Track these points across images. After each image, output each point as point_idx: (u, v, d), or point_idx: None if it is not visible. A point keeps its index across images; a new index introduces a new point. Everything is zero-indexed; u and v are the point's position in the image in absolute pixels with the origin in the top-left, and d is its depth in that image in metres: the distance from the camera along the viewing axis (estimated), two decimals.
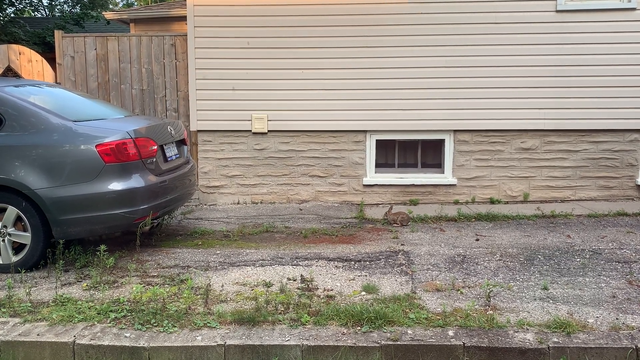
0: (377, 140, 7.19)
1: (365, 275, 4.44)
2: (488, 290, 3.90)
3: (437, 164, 7.29)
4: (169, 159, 5.32)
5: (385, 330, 3.45)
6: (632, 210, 6.42)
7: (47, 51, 12.67)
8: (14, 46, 8.09)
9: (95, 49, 7.50)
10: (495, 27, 6.85)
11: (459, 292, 4.07)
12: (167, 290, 4.13)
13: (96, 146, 4.60)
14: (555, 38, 6.83)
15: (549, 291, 4.06)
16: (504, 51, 6.86)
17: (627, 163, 7.03)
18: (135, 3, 25.92)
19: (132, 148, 4.71)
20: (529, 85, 6.90)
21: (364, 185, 7.19)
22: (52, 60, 7.90)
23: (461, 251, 5.05)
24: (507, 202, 7.05)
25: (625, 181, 7.07)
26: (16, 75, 7.81)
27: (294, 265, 4.72)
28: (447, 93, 6.95)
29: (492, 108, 6.97)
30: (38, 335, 3.50)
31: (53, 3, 21.84)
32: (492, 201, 7.08)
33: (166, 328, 3.54)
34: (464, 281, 4.29)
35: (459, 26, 6.86)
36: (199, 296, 4.01)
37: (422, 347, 3.31)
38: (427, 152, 7.35)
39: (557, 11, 6.79)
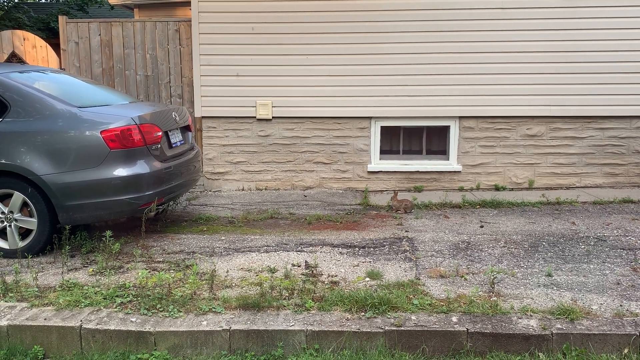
0: (381, 126, 7.16)
1: (370, 262, 4.45)
2: (492, 277, 3.90)
3: (442, 151, 7.27)
4: (173, 145, 5.32)
5: (389, 316, 3.47)
6: (638, 198, 6.39)
7: (52, 37, 12.63)
8: (18, 32, 8.08)
9: (100, 34, 7.48)
10: (501, 13, 6.78)
11: (462, 278, 4.08)
12: (173, 275, 4.16)
13: (101, 132, 4.61)
14: (562, 23, 6.75)
15: (553, 278, 4.06)
16: (510, 37, 6.80)
17: (634, 150, 6.99)
18: None
19: (136, 134, 4.72)
20: (535, 71, 6.84)
21: (368, 172, 7.18)
22: (56, 46, 7.88)
23: (465, 238, 5.05)
24: (512, 189, 7.04)
25: (631, 168, 7.04)
26: (20, 61, 7.81)
27: (299, 251, 4.74)
28: (452, 79, 6.91)
29: (498, 94, 6.93)
30: (45, 319, 3.54)
31: None
32: (497, 188, 7.06)
33: (172, 313, 3.57)
34: (468, 267, 4.30)
35: (465, 11, 6.80)
36: (204, 281, 4.04)
37: (425, 333, 3.33)
38: (432, 139, 7.33)
39: None
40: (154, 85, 7.54)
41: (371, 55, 6.92)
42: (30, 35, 8.04)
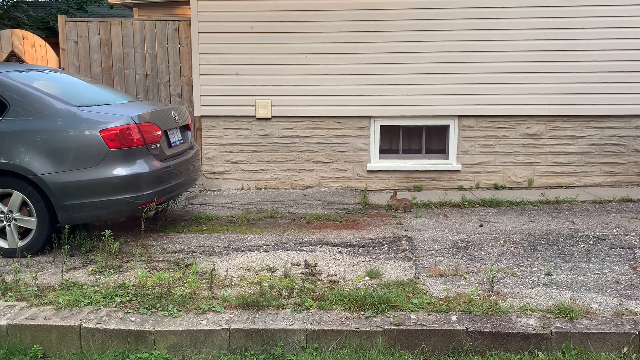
0: (381, 125, 7.16)
1: (369, 261, 4.45)
2: (491, 276, 3.90)
3: (441, 150, 7.27)
4: (173, 145, 5.32)
5: (388, 315, 3.47)
6: (637, 196, 6.39)
7: (51, 36, 12.62)
8: (18, 31, 8.07)
9: (99, 33, 7.47)
10: (501, 11, 6.78)
11: (462, 277, 4.08)
12: (172, 274, 4.16)
13: (100, 131, 4.61)
14: (562, 22, 6.75)
15: (552, 277, 4.06)
16: (509, 35, 6.80)
17: (633, 149, 7.00)
18: None
19: (136, 133, 4.71)
20: (535, 70, 6.84)
21: (367, 171, 7.18)
22: (55, 45, 7.88)
23: (465, 237, 5.06)
24: (511, 188, 7.04)
25: (630, 167, 7.04)
26: (20, 60, 7.81)
27: (298, 250, 4.74)
28: (452, 78, 6.90)
29: (497, 93, 6.93)
30: (44, 319, 3.54)
31: None
32: (496, 187, 7.07)
33: (171, 312, 3.57)
34: (468, 267, 4.30)
35: (464, 10, 6.79)
36: (203, 281, 4.04)
37: (425, 332, 3.33)
38: (432, 138, 7.33)
39: None
40: (153, 85, 7.53)
41: (371, 54, 6.92)
42: (29, 35, 8.03)
